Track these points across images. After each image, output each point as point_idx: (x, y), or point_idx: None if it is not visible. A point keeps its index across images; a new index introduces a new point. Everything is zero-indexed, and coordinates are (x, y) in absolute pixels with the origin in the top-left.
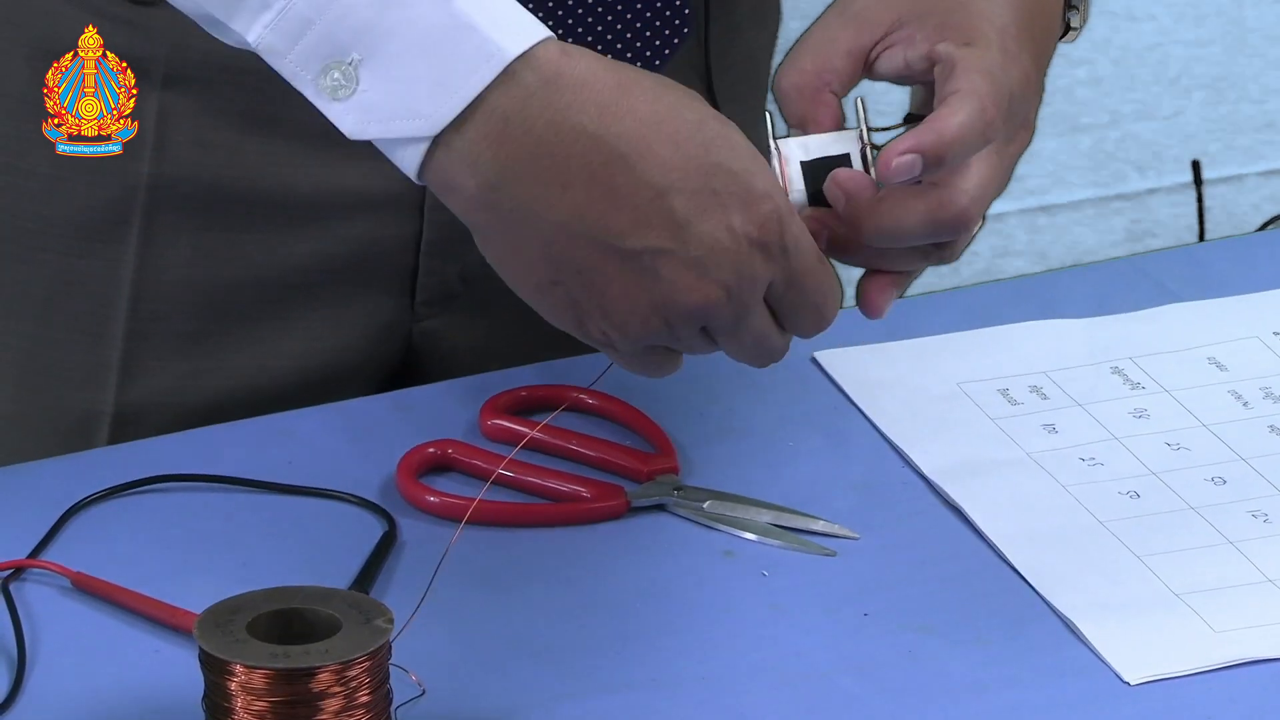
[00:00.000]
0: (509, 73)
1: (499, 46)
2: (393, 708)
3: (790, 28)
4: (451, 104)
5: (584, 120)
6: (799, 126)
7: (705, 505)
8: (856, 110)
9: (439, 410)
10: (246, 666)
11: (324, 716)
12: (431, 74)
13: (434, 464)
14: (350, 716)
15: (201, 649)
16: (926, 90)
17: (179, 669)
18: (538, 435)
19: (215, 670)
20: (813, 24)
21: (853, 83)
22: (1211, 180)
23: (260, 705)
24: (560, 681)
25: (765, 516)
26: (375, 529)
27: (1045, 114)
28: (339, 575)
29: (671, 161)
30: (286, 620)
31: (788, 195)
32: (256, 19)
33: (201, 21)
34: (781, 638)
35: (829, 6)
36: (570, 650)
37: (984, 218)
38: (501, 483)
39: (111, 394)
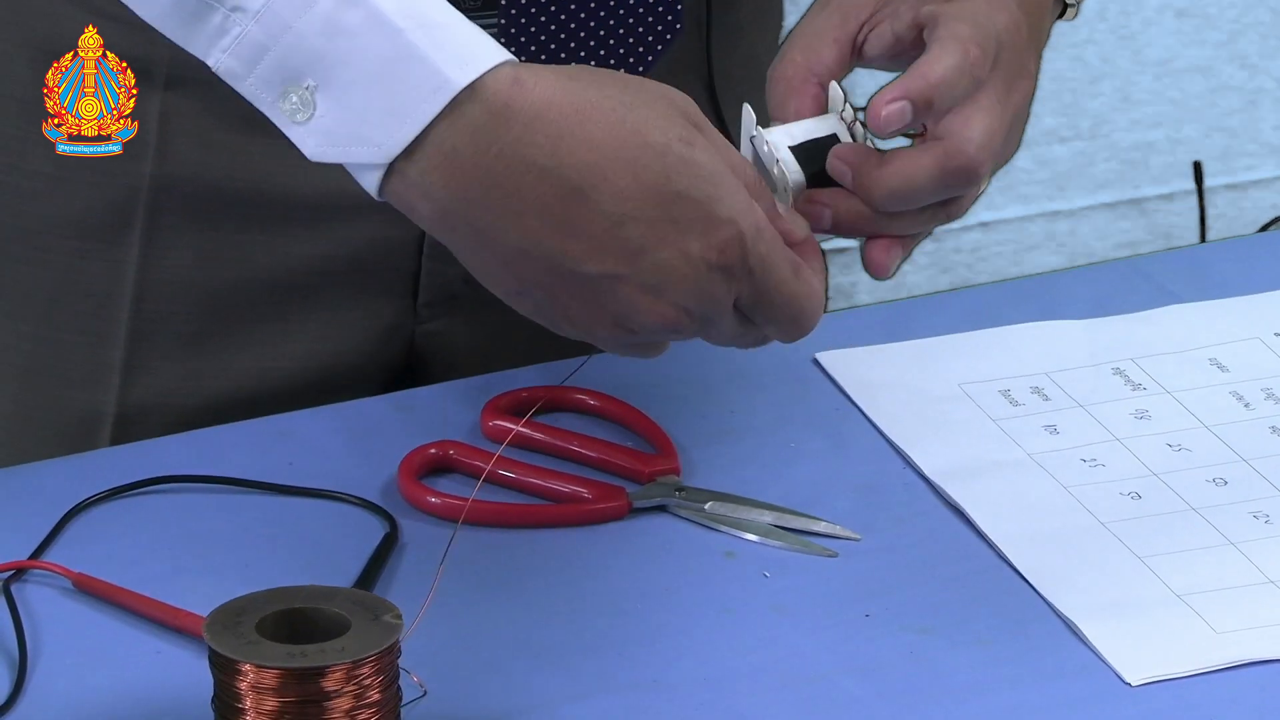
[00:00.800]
0: (455, 104)
1: (446, 78)
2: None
3: (791, 26)
4: (402, 134)
5: (535, 154)
6: (782, 118)
7: (706, 506)
8: (836, 92)
9: (440, 411)
10: (259, 666)
11: (334, 715)
12: (383, 103)
13: (435, 465)
14: (360, 715)
15: (212, 650)
16: None
17: (180, 670)
18: (539, 436)
19: (227, 671)
20: (801, 17)
21: (842, 71)
22: (1213, 187)
23: (271, 705)
24: (562, 682)
25: (766, 517)
26: (377, 530)
27: (1046, 118)
28: (341, 576)
29: (628, 191)
30: (291, 620)
31: (788, 181)
32: (214, 44)
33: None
34: (783, 639)
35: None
36: (572, 651)
37: (991, 173)
38: (503, 484)
39: (113, 394)
